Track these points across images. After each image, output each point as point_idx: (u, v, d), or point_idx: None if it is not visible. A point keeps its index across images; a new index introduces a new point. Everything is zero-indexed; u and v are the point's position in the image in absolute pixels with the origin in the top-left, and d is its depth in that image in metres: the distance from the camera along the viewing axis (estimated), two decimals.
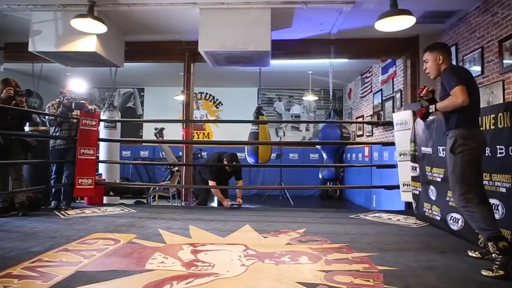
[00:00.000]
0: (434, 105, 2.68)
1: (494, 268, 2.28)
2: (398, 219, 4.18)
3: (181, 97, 6.64)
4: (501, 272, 2.25)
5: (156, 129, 8.00)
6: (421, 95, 2.85)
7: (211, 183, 5.09)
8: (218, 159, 5.20)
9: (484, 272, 2.30)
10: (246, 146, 7.15)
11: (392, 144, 4.96)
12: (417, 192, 4.17)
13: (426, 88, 2.82)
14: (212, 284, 2.06)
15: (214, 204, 5.70)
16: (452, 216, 3.37)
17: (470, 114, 2.54)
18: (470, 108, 2.49)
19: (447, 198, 3.45)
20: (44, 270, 2.23)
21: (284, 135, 9.49)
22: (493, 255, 2.35)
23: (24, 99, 4.23)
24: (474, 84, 2.62)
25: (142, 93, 11.23)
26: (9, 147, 4.13)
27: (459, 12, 4.99)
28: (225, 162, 5.05)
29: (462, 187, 2.49)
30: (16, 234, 3.21)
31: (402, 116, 4.65)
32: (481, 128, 2.85)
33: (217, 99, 11.13)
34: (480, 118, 2.83)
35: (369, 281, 2.13)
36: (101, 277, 2.13)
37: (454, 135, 2.54)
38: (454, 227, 3.33)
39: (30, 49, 5.09)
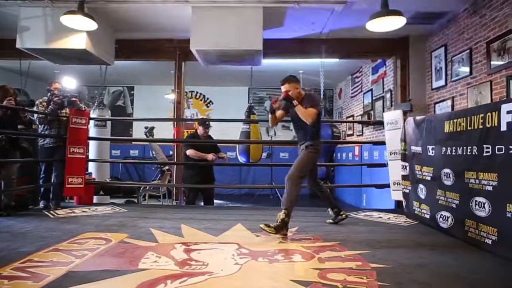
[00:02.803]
0: (297, 105, 3.39)
1: (272, 226, 3.15)
2: (389, 218, 4.22)
3: (171, 96, 6.61)
4: (274, 231, 3.13)
5: (146, 128, 7.95)
6: (275, 106, 3.56)
7: (189, 153, 4.97)
8: (192, 135, 5.27)
9: (261, 225, 3.17)
10: (237, 145, 7.15)
11: (383, 143, 5.01)
12: (407, 191, 4.22)
13: (277, 99, 3.55)
14: (206, 283, 2.05)
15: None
16: (441, 214, 3.43)
17: (318, 132, 3.60)
18: (317, 128, 3.57)
19: (437, 197, 3.50)
20: (35, 270, 2.20)
21: (275, 134, 9.51)
22: (277, 219, 3.20)
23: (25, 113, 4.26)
24: (320, 111, 3.62)
25: (132, 92, 11.14)
26: (7, 152, 4.10)
27: (449, 14, 5.07)
28: (199, 128, 5.05)
29: (299, 172, 3.40)
30: (4, 234, 3.16)
31: (392, 116, 4.70)
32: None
33: (207, 98, 11.10)
34: (469, 117, 3.06)
35: (362, 278, 2.15)
36: (93, 277, 2.11)
37: (310, 143, 3.50)
38: (444, 225, 3.39)
39: (18, 45, 5.00)
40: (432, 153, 3.63)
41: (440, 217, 3.44)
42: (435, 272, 2.31)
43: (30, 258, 2.43)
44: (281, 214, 3.21)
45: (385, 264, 2.42)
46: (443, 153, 3.41)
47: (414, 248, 2.91)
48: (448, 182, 3.34)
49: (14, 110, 4.13)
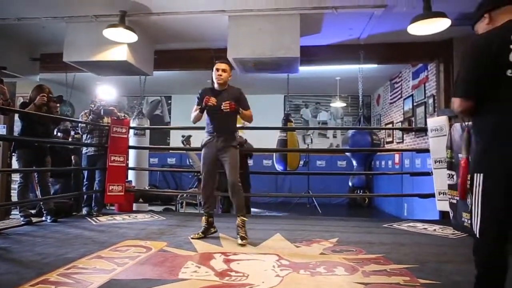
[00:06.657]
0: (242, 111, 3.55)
1: (246, 237, 3.27)
2: (434, 229, 4.00)
3: None
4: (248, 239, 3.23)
5: (183, 136, 8.07)
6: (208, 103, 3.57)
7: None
8: None
9: (240, 242, 3.19)
10: (274, 154, 7.09)
11: (427, 151, 4.78)
12: (454, 201, 3.99)
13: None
14: None
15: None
16: None
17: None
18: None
19: None
20: (79, 277, 2.24)
21: (311, 142, 9.38)
22: (240, 229, 3.33)
23: (57, 105, 4.34)
24: None
25: (169, 101, 11.38)
26: (40, 153, 4.16)
27: None
28: None
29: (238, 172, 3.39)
30: (51, 239, 3.27)
31: (437, 122, 4.48)
32: None
33: None
34: None
35: None
36: (135, 285, 2.11)
37: (234, 137, 3.53)
38: None
39: (65, 59, 5.24)
40: None
41: None
42: None
43: (75, 265, 2.48)
44: (240, 220, 3.37)
45: (435, 280, 2.27)
46: None
47: (466, 263, 2.69)
48: None
49: (47, 109, 4.11)
